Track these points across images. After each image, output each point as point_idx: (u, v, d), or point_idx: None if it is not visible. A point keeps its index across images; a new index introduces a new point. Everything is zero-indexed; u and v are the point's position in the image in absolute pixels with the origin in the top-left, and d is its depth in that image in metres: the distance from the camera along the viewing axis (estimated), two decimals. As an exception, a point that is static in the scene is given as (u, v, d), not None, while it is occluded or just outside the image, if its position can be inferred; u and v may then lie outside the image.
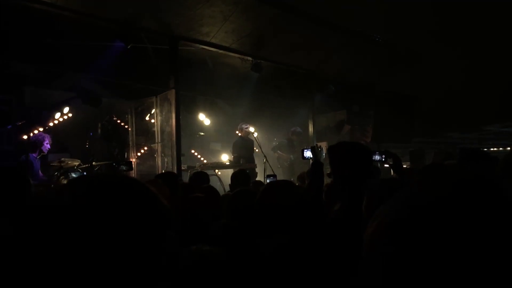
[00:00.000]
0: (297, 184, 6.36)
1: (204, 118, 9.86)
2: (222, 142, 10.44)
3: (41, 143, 6.65)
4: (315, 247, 2.04)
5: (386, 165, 5.48)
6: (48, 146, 6.78)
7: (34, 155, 6.59)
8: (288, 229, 2.12)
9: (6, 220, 2.23)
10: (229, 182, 5.00)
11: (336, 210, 2.44)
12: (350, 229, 2.06)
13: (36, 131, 7.03)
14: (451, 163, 4.29)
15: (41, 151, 6.69)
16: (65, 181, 5.59)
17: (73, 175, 5.85)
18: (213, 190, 3.67)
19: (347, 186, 2.34)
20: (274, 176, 5.40)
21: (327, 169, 2.66)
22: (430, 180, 0.68)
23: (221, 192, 4.48)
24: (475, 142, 15.25)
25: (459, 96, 9.56)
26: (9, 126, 6.78)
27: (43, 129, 7.64)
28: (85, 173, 5.94)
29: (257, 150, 8.84)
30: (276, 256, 1.91)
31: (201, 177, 4.84)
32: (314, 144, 3.73)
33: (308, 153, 3.50)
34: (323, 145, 8.16)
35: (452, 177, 0.66)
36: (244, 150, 8.59)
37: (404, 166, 5.62)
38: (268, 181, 4.71)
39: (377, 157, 3.26)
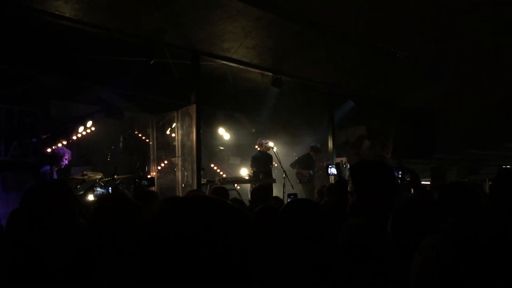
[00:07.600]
0: (316, 197, 6.34)
1: (223, 133, 9.91)
2: (241, 156, 10.46)
3: (60, 157, 6.72)
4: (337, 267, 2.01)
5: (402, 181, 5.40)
6: (66, 161, 6.86)
7: (48, 168, 6.63)
8: (311, 248, 2.10)
9: (45, 233, 2.24)
10: (248, 196, 4.99)
11: (355, 223, 2.39)
12: (375, 250, 2.03)
13: (60, 144, 7.16)
14: (474, 182, 4.22)
15: (59, 165, 6.76)
16: (92, 197, 5.67)
17: (99, 190, 5.95)
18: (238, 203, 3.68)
19: (372, 205, 2.30)
20: (295, 194, 5.36)
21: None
22: (472, 213, 0.70)
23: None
24: (497, 159, 14.92)
25: (481, 112, 9.42)
26: (34, 139, 6.91)
27: (67, 142, 7.77)
28: (110, 189, 6.02)
29: (276, 165, 8.82)
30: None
31: (221, 192, 4.84)
32: (340, 161, 3.74)
33: (333, 170, 3.51)
34: (343, 160, 8.13)
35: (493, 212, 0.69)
36: (263, 165, 8.59)
37: (426, 183, 5.53)
38: (288, 200, 4.69)
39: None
